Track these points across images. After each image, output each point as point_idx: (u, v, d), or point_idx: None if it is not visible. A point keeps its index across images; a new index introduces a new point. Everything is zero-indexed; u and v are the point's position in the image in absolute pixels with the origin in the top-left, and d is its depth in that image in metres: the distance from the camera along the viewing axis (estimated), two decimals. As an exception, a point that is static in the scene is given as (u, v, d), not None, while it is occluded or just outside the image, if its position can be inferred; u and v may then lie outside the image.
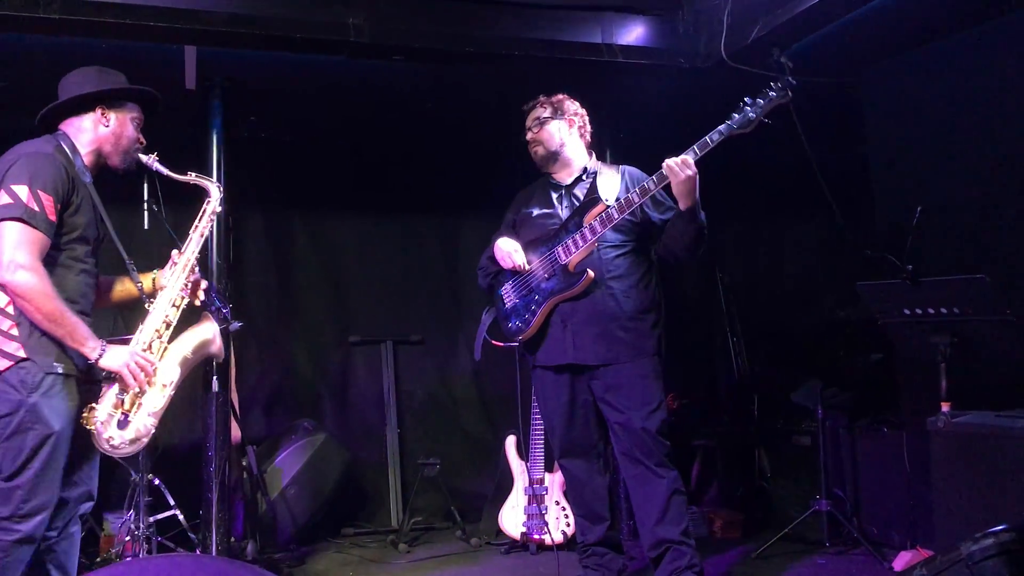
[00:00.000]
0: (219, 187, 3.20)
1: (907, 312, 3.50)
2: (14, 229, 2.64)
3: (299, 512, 4.88)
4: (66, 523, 2.87)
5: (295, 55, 4.38)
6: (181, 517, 4.49)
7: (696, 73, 4.49)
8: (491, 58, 4.40)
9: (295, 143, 5.56)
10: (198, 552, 4.34)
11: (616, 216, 3.40)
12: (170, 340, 3.01)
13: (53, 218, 2.71)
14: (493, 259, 3.74)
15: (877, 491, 4.50)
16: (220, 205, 3.20)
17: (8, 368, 2.67)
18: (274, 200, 5.59)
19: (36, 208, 2.66)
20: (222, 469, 4.47)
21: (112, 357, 2.79)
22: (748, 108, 3.28)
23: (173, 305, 3.03)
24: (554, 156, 3.70)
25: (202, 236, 3.14)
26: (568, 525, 4.56)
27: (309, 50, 4.22)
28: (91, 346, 2.75)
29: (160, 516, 4.41)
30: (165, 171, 3.08)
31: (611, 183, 3.61)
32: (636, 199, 3.39)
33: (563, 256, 3.51)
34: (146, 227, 4.45)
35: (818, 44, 4.20)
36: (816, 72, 4.44)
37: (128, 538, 4.21)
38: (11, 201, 2.65)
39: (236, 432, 4.75)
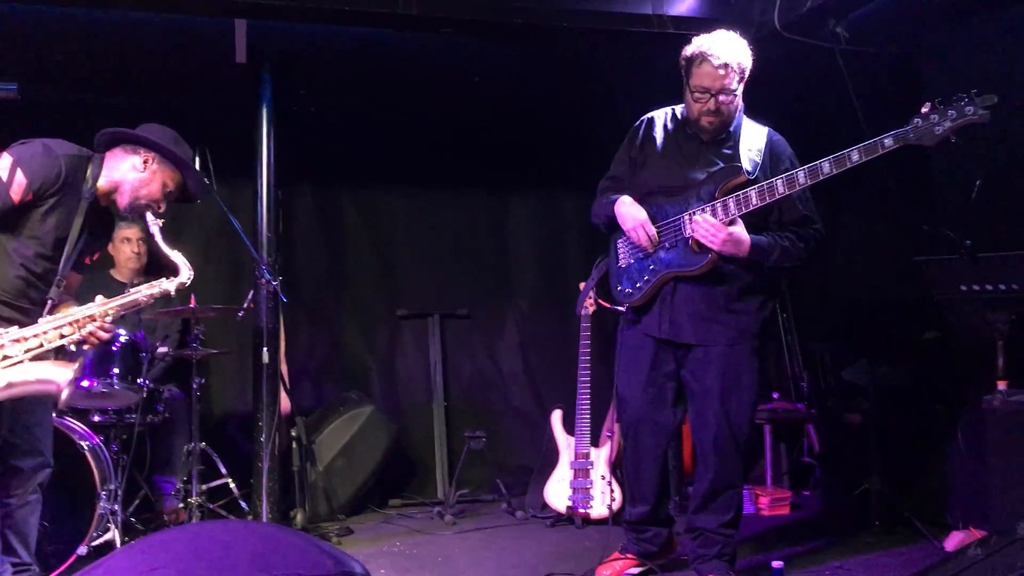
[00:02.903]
0: (191, 275, 2.98)
1: (964, 288, 3.42)
2: None
3: (347, 483, 4.94)
4: (24, 491, 2.98)
5: (344, 28, 4.39)
6: (232, 485, 4.57)
7: (749, 44, 4.40)
8: (539, 30, 4.37)
9: (344, 117, 5.58)
10: (250, 519, 4.42)
11: (755, 202, 3.12)
12: (33, 358, 2.77)
13: (15, 198, 2.78)
14: (613, 219, 3.43)
15: (929, 471, 4.42)
16: (175, 290, 2.96)
17: None
18: (323, 174, 5.62)
19: (3, 178, 2.75)
20: (272, 439, 4.55)
21: None
22: (935, 117, 2.89)
23: (58, 332, 2.80)
24: (727, 127, 3.34)
25: (135, 303, 2.91)
26: (613, 500, 4.55)
27: (358, 23, 4.23)
28: None
29: (212, 484, 4.50)
30: (158, 238, 2.99)
31: (753, 145, 3.31)
32: (781, 190, 3.09)
33: (688, 227, 3.24)
34: (197, 200, 4.51)
35: (874, 14, 4.10)
36: (872, 43, 4.34)
37: (181, 505, 4.30)
38: None
39: (286, 403, 4.82)
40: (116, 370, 3.95)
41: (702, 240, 3.17)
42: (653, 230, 3.32)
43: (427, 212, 5.86)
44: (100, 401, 3.99)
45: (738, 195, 3.17)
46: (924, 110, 2.93)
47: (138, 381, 4.03)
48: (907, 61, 4.68)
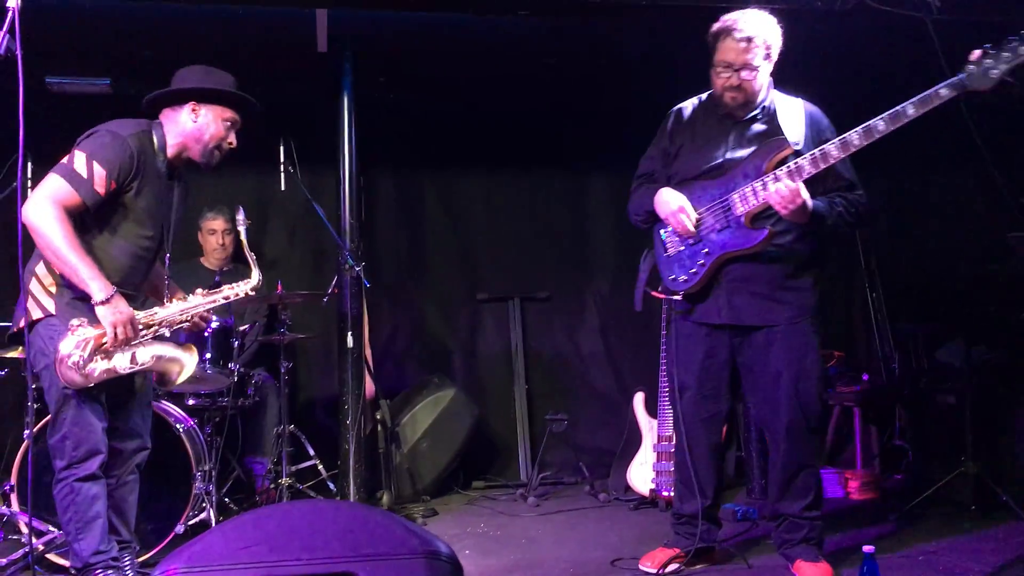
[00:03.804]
0: (260, 278, 3.16)
1: (1067, 265, 3.28)
2: (53, 181, 2.85)
3: (431, 465, 5.00)
4: (123, 472, 3.13)
5: (424, 13, 4.41)
6: (320, 467, 4.67)
7: (833, 16, 4.28)
8: (617, 8, 4.32)
9: (423, 103, 5.62)
10: (338, 500, 4.51)
11: (809, 170, 3.03)
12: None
13: (100, 190, 2.88)
14: (652, 213, 3.38)
15: (1028, 454, 4.28)
16: (252, 291, 3.16)
17: (41, 320, 2.90)
18: (404, 160, 5.67)
19: (84, 175, 2.85)
20: (357, 421, 4.63)
21: (110, 310, 2.84)
22: (988, 62, 2.84)
23: (183, 317, 3.09)
24: (751, 104, 3.27)
25: (225, 299, 3.14)
26: (698, 482, 4.51)
27: (435, 7, 4.24)
28: (97, 287, 2.82)
29: (301, 466, 4.61)
30: (243, 237, 3.22)
31: (792, 120, 3.24)
32: (836, 153, 3.01)
33: (739, 206, 3.17)
34: (282, 188, 4.61)
35: (968, -20, 3.94)
36: (966, 10, 4.17)
37: (272, 486, 4.42)
38: (66, 163, 2.88)
39: (370, 386, 4.90)
40: (209, 355, 4.08)
41: (776, 205, 3.07)
42: (693, 214, 3.27)
43: (506, 196, 5.87)
44: (194, 385, 4.12)
45: (790, 166, 3.08)
46: (974, 56, 2.88)
47: (229, 365, 4.15)
48: (1005, 31, 4.48)
